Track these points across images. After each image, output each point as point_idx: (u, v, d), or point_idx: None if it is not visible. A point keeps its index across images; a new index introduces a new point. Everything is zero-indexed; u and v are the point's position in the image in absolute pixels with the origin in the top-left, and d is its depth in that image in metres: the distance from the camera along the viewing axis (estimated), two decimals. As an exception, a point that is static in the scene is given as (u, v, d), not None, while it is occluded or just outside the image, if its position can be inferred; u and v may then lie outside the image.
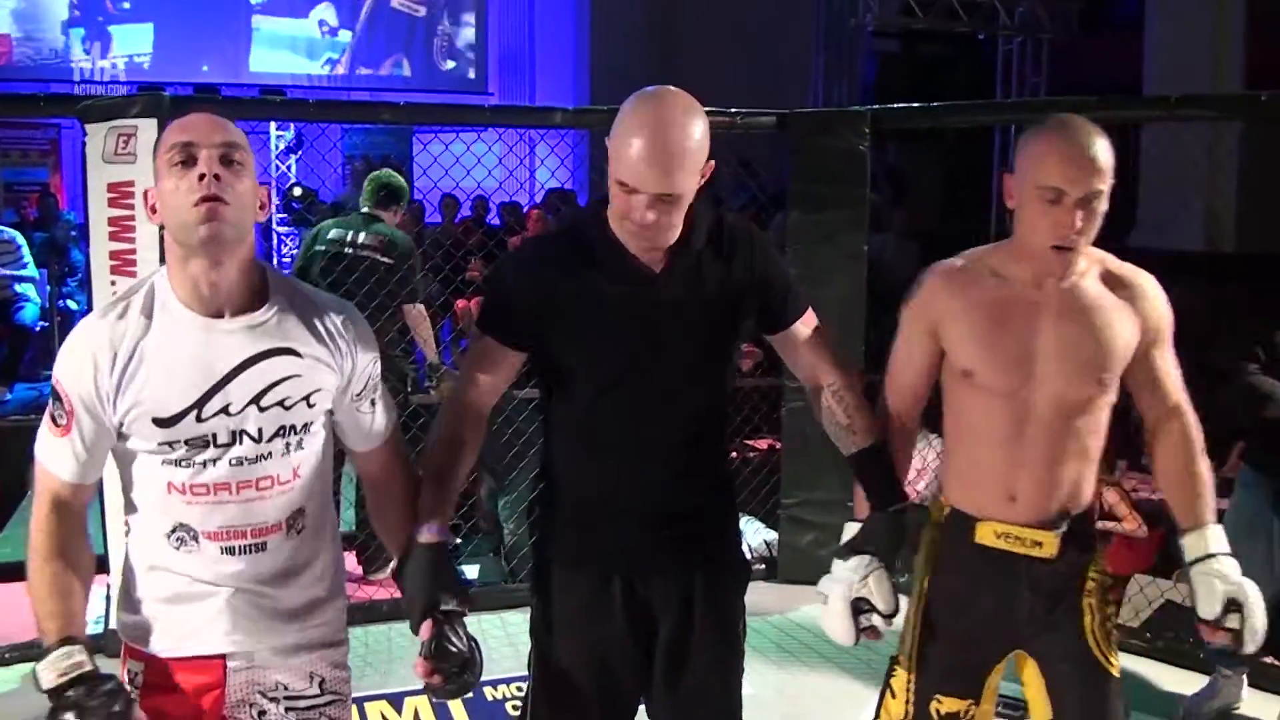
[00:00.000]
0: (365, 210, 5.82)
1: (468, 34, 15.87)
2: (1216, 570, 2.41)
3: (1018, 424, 2.44)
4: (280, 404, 2.07)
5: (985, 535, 2.49)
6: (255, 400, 2.05)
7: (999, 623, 2.52)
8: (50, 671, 1.94)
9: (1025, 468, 2.45)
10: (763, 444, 6.17)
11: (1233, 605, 2.38)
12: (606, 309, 2.30)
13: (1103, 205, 2.34)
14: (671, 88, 2.26)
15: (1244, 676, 4.12)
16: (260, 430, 2.06)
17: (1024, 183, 2.37)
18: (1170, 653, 4.55)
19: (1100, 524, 2.71)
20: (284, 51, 15.51)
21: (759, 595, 2.55)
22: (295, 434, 2.10)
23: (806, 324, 2.48)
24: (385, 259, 5.62)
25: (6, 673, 4.40)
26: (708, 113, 2.27)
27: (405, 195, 6.06)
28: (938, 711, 2.56)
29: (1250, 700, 4.14)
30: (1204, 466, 2.50)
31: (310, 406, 2.11)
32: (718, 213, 2.42)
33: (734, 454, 5.63)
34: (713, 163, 2.28)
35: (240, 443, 2.05)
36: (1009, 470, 2.46)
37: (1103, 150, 2.32)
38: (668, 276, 2.31)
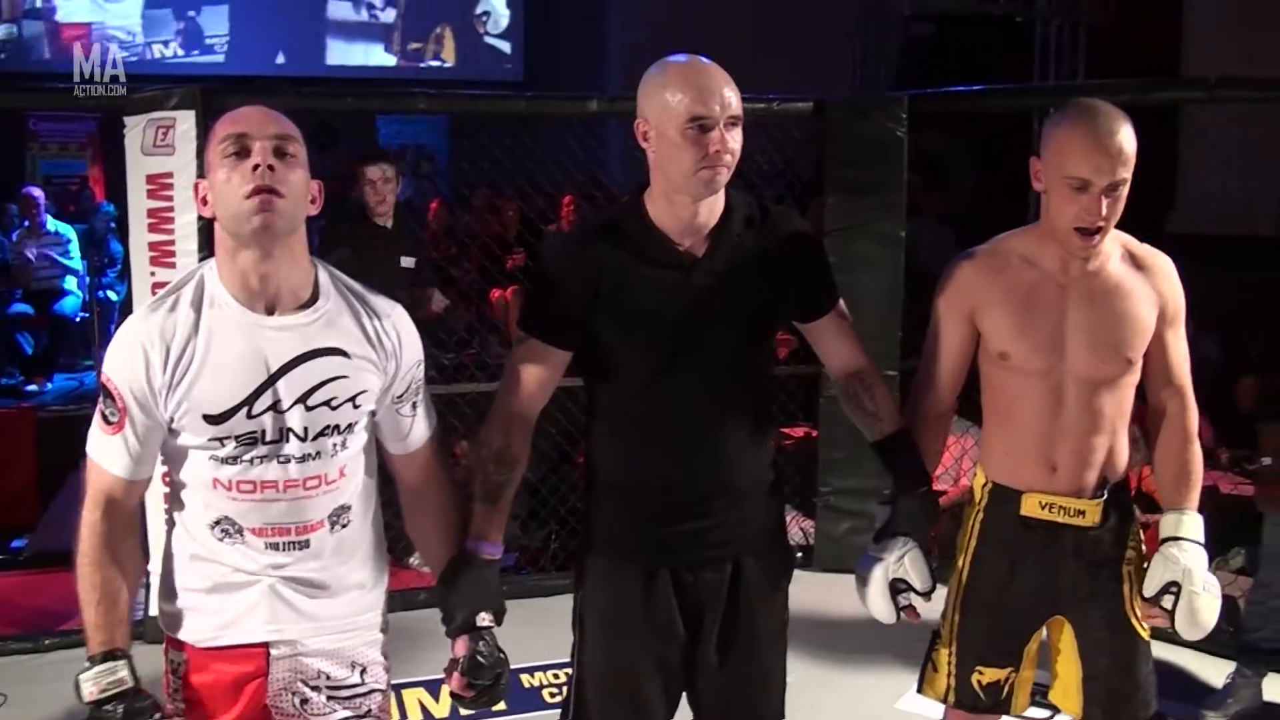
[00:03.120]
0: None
1: (502, 21, 15.56)
2: (1173, 554, 2.50)
3: (1054, 400, 2.52)
4: (327, 404, 2.08)
5: (1030, 506, 2.57)
6: (302, 399, 2.06)
7: (1042, 592, 2.60)
8: (92, 685, 1.99)
9: (1064, 439, 2.53)
10: (798, 431, 6.14)
11: (1171, 587, 2.47)
12: (652, 295, 2.30)
13: (1126, 190, 2.40)
14: None
15: (1262, 682, 4.06)
16: (306, 429, 2.07)
17: (1050, 170, 2.42)
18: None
19: (1143, 516, 2.74)
20: (359, 40, 15.00)
21: (795, 584, 2.57)
22: (340, 434, 2.11)
23: (839, 313, 2.49)
24: None
25: (46, 659, 4.42)
26: (743, 98, 2.27)
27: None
28: (979, 682, 2.64)
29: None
30: (1195, 452, 2.59)
31: (356, 408, 2.11)
32: (757, 198, 2.43)
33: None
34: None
35: (287, 441, 2.06)
36: (1049, 443, 2.54)
37: (1127, 138, 2.37)
38: (710, 260, 2.31)
